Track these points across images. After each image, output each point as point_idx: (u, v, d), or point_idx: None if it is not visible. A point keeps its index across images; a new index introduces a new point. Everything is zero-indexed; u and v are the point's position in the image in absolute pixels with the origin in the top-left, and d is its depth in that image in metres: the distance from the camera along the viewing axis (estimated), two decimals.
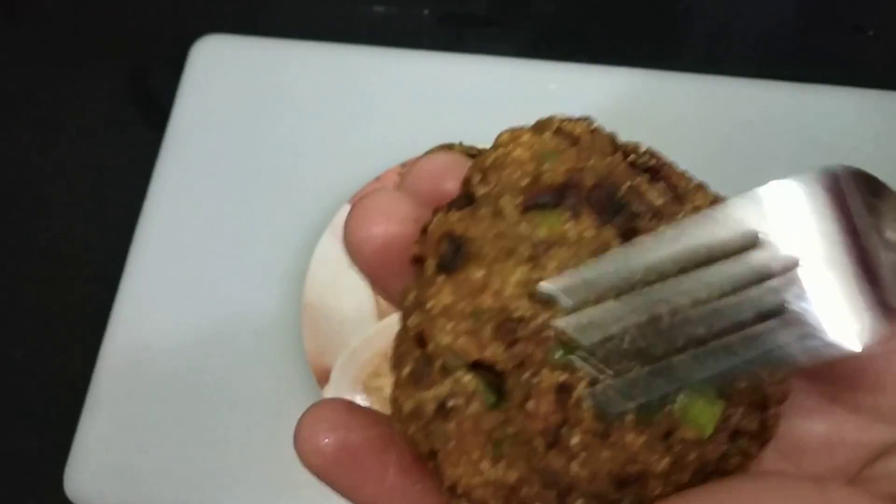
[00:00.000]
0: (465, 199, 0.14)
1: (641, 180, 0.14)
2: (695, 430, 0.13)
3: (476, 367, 0.13)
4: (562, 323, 0.13)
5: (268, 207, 0.46)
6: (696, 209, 0.14)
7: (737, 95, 0.50)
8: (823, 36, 0.54)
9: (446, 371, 0.13)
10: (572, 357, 0.13)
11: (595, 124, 0.15)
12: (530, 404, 0.13)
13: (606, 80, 0.50)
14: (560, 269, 0.13)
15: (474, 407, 0.13)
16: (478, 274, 0.13)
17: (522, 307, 0.13)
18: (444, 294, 0.13)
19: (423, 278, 0.14)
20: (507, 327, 0.13)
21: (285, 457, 0.39)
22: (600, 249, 0.13)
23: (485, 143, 0.51)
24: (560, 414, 0.13)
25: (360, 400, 0.39)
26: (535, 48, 0.54)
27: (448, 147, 0.45)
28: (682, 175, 0.15)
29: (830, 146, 0.47)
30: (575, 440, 0.13)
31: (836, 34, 0.54)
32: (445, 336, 0.13)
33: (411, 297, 0.14)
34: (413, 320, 0.13)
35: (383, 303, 0.42)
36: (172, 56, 0.52)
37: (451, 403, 0.13)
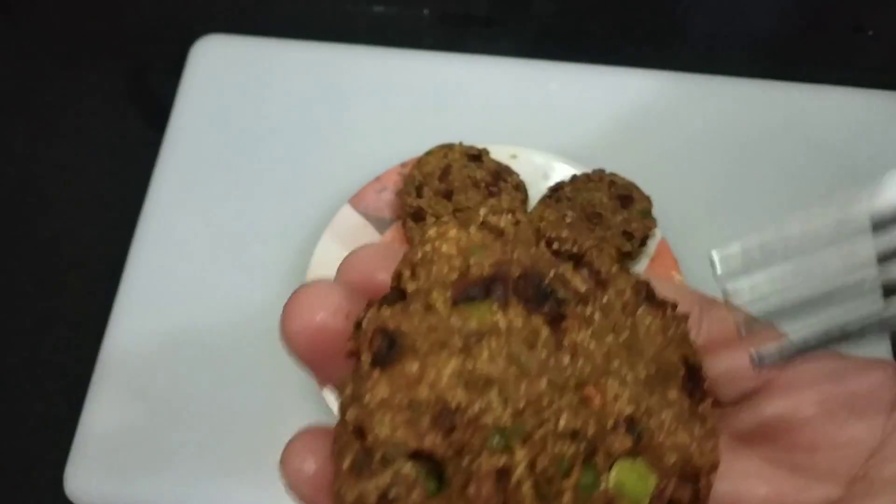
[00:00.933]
0: (397, 293, 0.15)
1: (565, 268, 0.15)
2: None
3: (416, 456, 0.13)
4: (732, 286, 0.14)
5: (268, 207, 0.46)
6: (620, 293, 0.15)
7: (736, 95, 0.50)
8: (823, 36, 0.54)
9: (386, 462, 0.13)
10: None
11: (518, 216, 0.16)
12: (471, 489, 0.13)
13: (606, 80, 0.50)
14: (492, 358, 0.13)
15: (416, 495, 0.13)
16: (413, 367, 0.13)
17: (458, 396, 0.13)
18: (380, 388, 0.13)
19: (359, 373, 0.14)
20: (445, 417, 0.13)
21: None
22: (530, 336, 0.14)
23: (485, 142, 0.51)
24: (500, 497, 0.13)
25: None
26: (536, 48, 0.54)
27: (447, 147, 0.45)
28: (605, 260, 0.15)
29: (830, 146, 0.47)
30: None
31: (836, 34, 0.54)
32: (384, 428, 0.13)
33: (348, 391, 0.14)
34: (351, 414, 0.14)
35: None
36: (173, 56, 0.52)
37: (392, 493, 0.13)
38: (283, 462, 0.15)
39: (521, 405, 0.13)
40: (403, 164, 0.45)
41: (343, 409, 0.14)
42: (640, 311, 0.15)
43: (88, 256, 0.47)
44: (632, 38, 0.55)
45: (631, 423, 0.14)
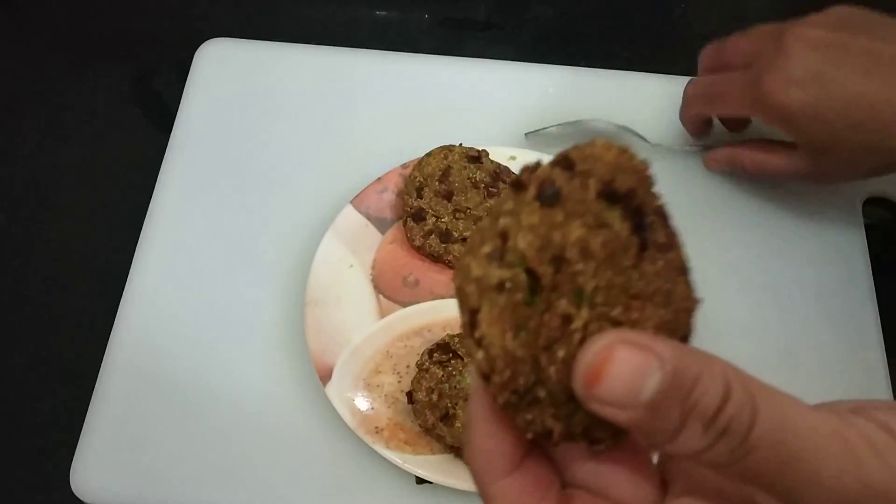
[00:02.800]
0: (566, 163, 0.19)
1: (657, 221, 0.20)
2: None
3: (529, 273, 0.18)
4: None
5: (271, 208, 0.46)
6: (678, 255, 0.20)
7: None
8: None
9: (512, 265, 0.18)
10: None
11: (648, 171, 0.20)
12: (547, 316, 0.18)
13: (604, 83, 0.50)
14: (603, 244, 0.18)
15: (518, 296, 0.18)
16: (559, 216, 0.18)
17: (572, 253, 0.18)
18: (533, 216, 0.18)
19: (521, 198, 0.18)
20: (559, 260, 0.18)
21: (289, 452, 0.40)
22: (626, 246, 0.19)
23: (484, 144, 0.52)
24: (560, 332, 0.18)
25: (362, 397, 0.40)
26: (534, 52, 0.54)
27: (447, 149, 0.45)
28: (676, 232, 0.20)
29: None
30: (560, 354, 0.18)
31: None
32: (523, 241, 0.18)
33: (509, 204, 0.19)
34: (504, 220, 0.18)
35: (384, 301, 0.43)
36: (177, 59, 0.52)
37: (508, 285, 0.18)
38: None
39: (599, 284, 0.18)
40: (404, 166, 0.46)
41: (496, 214, 0.19)
42: (680, 278, 0.20)
43: (95, 256, 0.47)
44: (629, 41, 0.55)
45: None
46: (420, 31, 0.55)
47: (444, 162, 0.44)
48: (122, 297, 0.44)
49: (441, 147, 0.45)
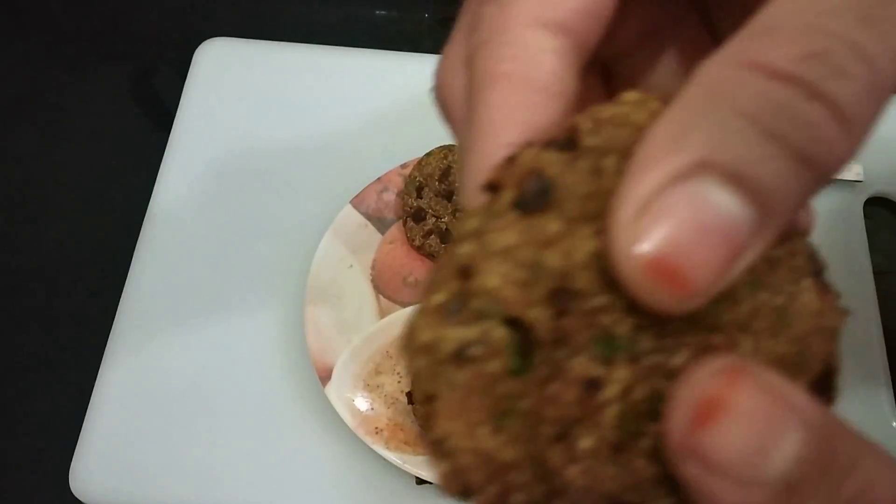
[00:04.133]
0: (567, 142, 0.12)
1: None
2: None
3: (512, 324, 0.11)
4: None
5: (270, 207, 0.46)
6: (793, 253, 0.14)
7: None
8: None
9: (480, 315, 0.11)
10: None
11: None
12: (553, 387, 0.11)
13: None
14: None
15: (495, 365, 0.11)
16: (553, 226, 0.11)
17: (587, 280, 0.11)
18: (509, 233, 0.11)
19: (493, 208, 0.12)
20: (563, 296, 0.11)
21: (289, 453, 0.40)
22: None
23: None
24: (579, 409, 0.11)
25: (361, 397, 0.39)
26: None
27: (447, 149, 0.45)
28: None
29: None
30: (586, 443, 0.11)
31: None
32: (494, 277, 0.11)
33: (472, 222, 0.12)
34: (464, 248, 0.12)
35: (384, 301, 0.42)
36: (177, 59, 0.52)
37: (471, 351, 0.11)
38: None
39: (646, 322, 0.11)
40: (404, 165, 0.45)
41: (457, 240, 0.12)
42: (805, 282, 0.13)
43: (93, 256, 0.47)
44: None
45: None
46: (420, 30, 0.55)
47: (444, 162, 0.44)
48: (121, 297, 0.44)
49: (441, 147, 0.45)
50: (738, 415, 0.10)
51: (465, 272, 0.12)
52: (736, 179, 0.11)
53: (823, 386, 0.13)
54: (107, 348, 0.42)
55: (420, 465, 0.37)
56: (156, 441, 0.40)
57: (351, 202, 0.44)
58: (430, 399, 0.12)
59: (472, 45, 0.15)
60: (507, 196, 0.12)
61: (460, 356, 0.11)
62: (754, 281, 0.12)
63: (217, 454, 0.39)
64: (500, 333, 0.11)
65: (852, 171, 0.46)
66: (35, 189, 0.49)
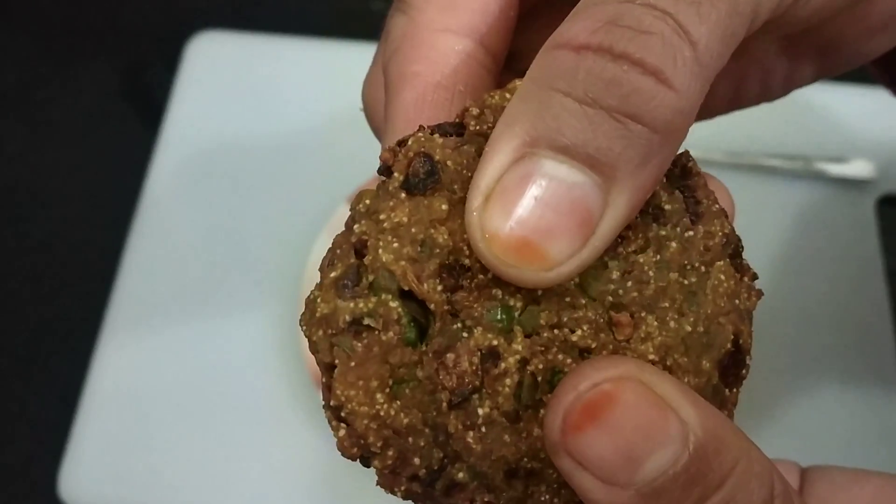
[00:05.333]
0: (455, 127, 0.14)
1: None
2: None
3: (407, 297, 0.12)
4: None
5: (265, 205, 0.45)
6: (709, 234, 0.14)
7: None
8: None
9: (375, 289, 0.12)
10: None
11: None
12: (449, 357, 0.12)
13: None
14: None
15: (390, 335, 0.12)
16: (441, 205, 0.13)
17: (476, 257, 0.12)
18: (400, 211, 0.13)
19: (385, 189, 0.13)
20: (454, 270, 0.12)
21: (285, 456, 0.39)
22: None
23: None
24: (476, 379, 0.12)
25: None
26: None
27: None
28: (709, 192, 0.14)
29: (829, 144, 0.47)
30: (483, 411, 0.12)
31: None
32: (387, 253, 0.12)
33: (366, 202, 0.13)
34: (360, 227, 0.13)
35: None
36: (169, 53, 0.52)
37: (367, 322, 0.12)
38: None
39: (541, 294, 0.12)
40: None
41: (352, 220, 0.13)
42: (719, 263, 0.13)
43: (83, 256, 0.46)
44: None
45: None
46: None
47: None
48: (112, 298, 0.43)
49: None
50: (611, 427, 0.11)
51: (360, 249, 0.13)
52: (564, 149, 0.11)
53: (731, 365, 0.13)
54: (96, 350, 0.42)
55: None
56: (147, 446, 0.39)
57: (347, 200, 0.44)
58: (328, 368, 0.12)
59: (386, 55, 0.16)
60: (397, 178, 0.13)
61: (356, 327, 0.12)
62: (664, 261, 0.13)
63: (208, 459, 0.39)
64: (394, 305, 0.12)
65: (863, 169, 0.45)
66: (22, 186, 0.49)
